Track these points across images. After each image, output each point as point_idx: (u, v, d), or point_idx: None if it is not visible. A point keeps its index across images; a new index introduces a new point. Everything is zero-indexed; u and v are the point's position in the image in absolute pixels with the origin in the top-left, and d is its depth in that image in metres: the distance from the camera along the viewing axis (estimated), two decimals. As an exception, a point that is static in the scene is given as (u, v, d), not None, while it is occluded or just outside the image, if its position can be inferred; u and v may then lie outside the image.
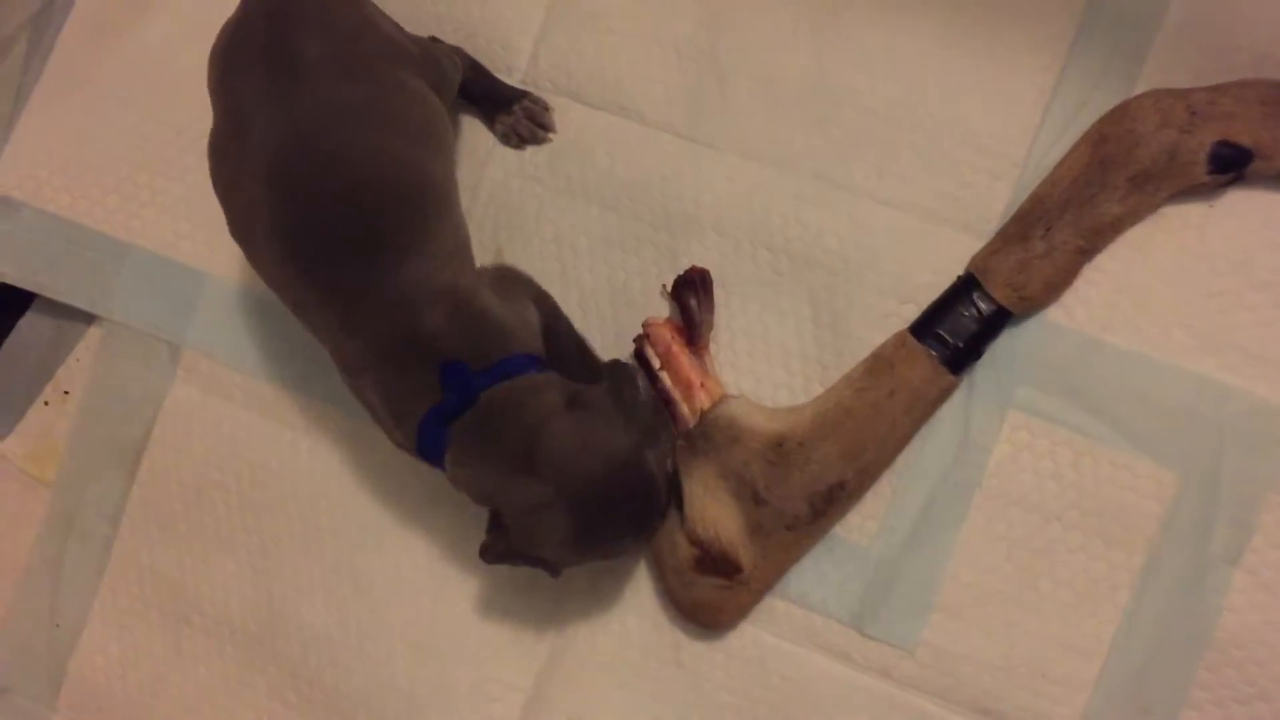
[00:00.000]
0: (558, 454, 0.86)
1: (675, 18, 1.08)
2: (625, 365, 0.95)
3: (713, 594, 0.98)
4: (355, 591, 1.10)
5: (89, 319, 1.19)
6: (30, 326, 1.21)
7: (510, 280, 0.99)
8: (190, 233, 1.16)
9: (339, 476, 1.11)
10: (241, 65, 0.90)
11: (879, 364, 0.98)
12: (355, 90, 0.88)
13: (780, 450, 0.96)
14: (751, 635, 1.02)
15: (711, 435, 0.97)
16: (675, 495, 0.98)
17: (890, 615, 0.99)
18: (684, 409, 0.98)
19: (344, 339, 0.90)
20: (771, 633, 1.01)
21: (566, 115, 1.09)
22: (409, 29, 1.03)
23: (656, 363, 1.00)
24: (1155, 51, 0.98)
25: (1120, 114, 0.96)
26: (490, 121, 1.09)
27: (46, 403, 1.20)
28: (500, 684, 1.06)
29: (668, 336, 1.00)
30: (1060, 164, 0.97)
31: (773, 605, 1.01)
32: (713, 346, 1.03)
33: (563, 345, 0.98)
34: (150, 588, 1.15)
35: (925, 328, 0.98)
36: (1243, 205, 0.96)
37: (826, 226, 1.03)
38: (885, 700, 0.99)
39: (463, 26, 1.12)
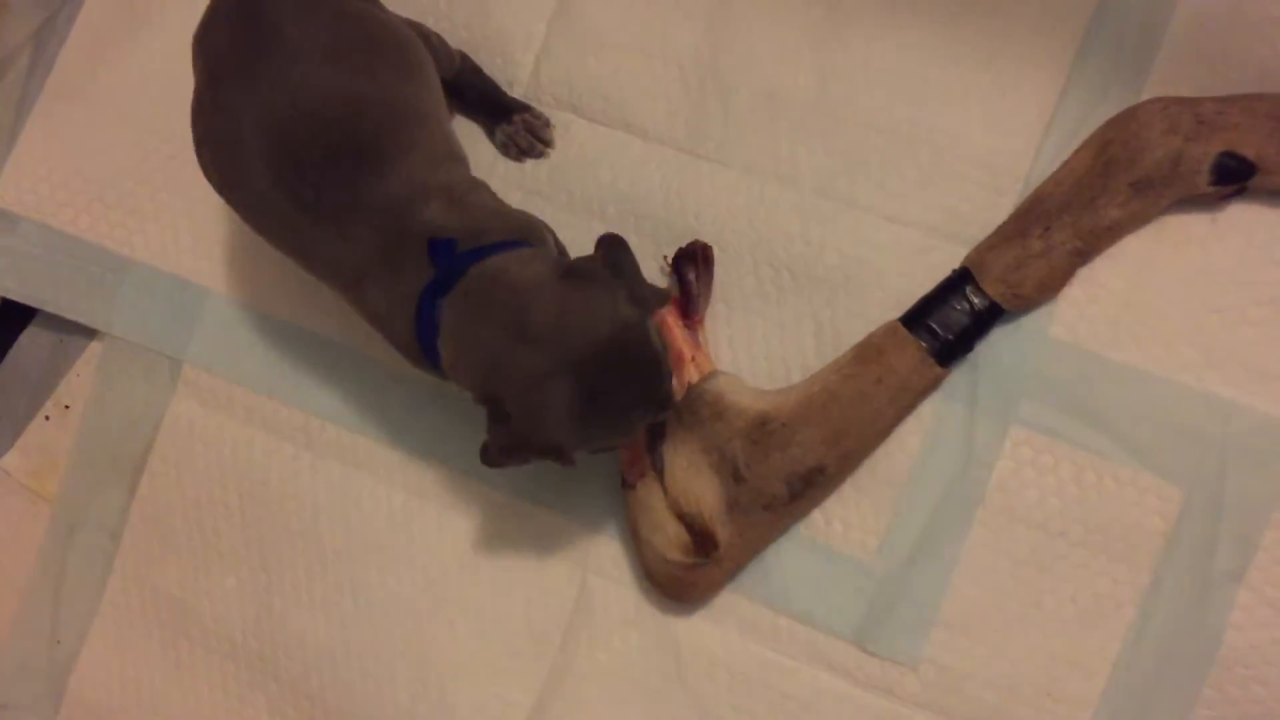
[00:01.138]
0: (554, 318, 0.81)
1: (677, 33, 1.08)
2: (619, 238, 0.89)
3: (686, 568, 0.98)
4: (356, 608, 1.10)
5: (90, 334, 1.19)
6: (31, 341, 1.21)
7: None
8: (191, 247, 1.16)
9: (340, 492, 1.11)
10: (219, 28, 0.91)
11: (867, 351, 0.98)
12: (328, 25, 0.89)
13: (763, 429, 0.96)
14: (754, 652, 1.01)
15: (697, 409, 0.97)
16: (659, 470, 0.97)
17: (893, 632, 0.99)
18: (673, 382, 0.97)
19: (343, 249, 0.88)
20: (774, 649, 1.01)
21: (568, 130, 1.09)
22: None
23: None
24: (1158, 67, 0.98)
25: (1127, 118, 0.96)
26: (490, 131, 1.10)
27: (48, 417, 1.20)
28: (502, 701, 1.06)
29: (663, 308, 1.00)
30: (1064, 165, 0.97)
31: (775, 622, 1.01)
32: (715, 351, 1.03)
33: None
34: (151, 604, 1.15)
35: (917, 318, 0.98)
36: (1246, 221, 0.96)
37: (829, 242, 1.03)
38: (889, 717, 0.98)
39: (465, 41, 1.12)
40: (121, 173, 1.18)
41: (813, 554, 1.01)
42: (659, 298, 0.86)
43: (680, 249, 1.03)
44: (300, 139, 0.86)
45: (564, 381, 0.81)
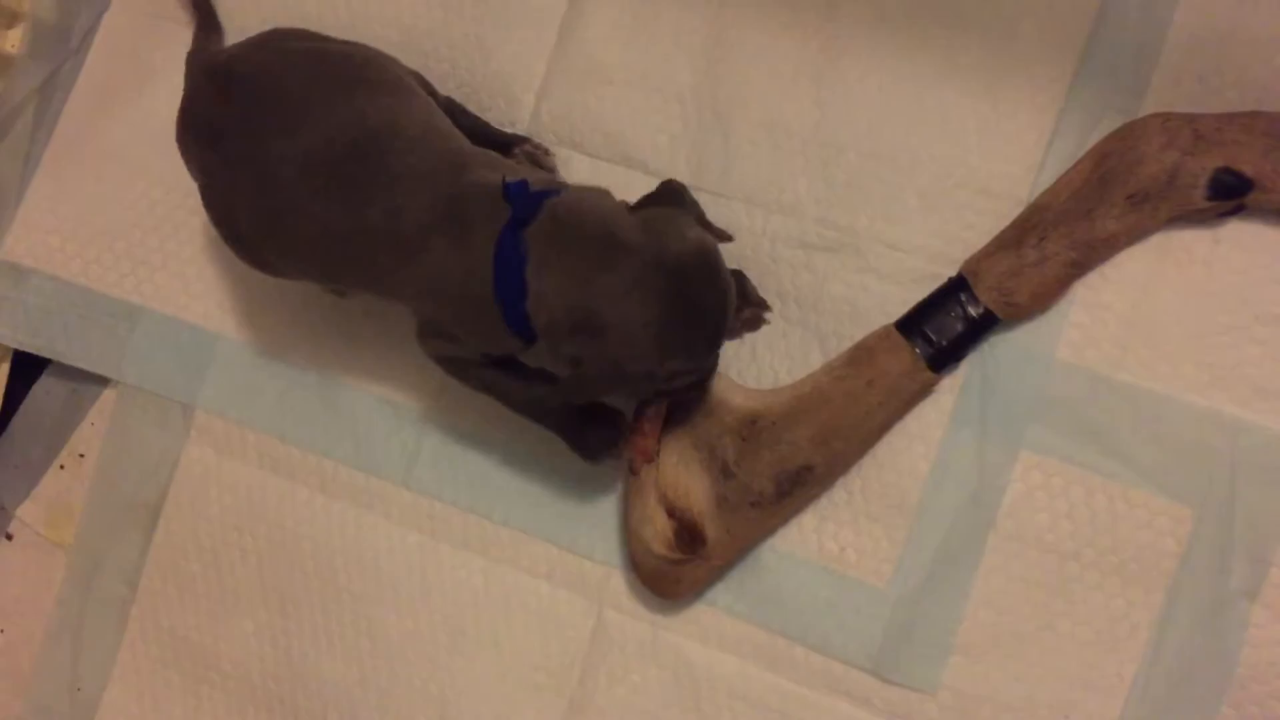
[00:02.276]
0: (641, 234, 0.85)
1: (676, 68, 1.08)
2: (680, 184, 0.95)
3: (673, 564, 0.99)
4: (374, 648, 1.10)
5: (103, 382, 1.20)
6: (45, 391, 1.22)
7: None
8: (201, 294, 1.17)
9: (354, 533, 1.12)
10: (206, 119, 0.96)
11: (860, 353, 0.98)
12: (311, 63, 0.95)
13: (754, 427, 0.97)
14: (772, 683, 1.02)
15: (690, 406, 0.98)
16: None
17: (910, 659, 0.99)
18: None
19: (400, 227, 0.89)
20: (792, 680, 1.01)
21: (570, 166, 1.10)
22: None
23: None
24: (1154, 88, 0.98)
25: (1126, 132, 0.96)
26: None
27: (62, 466, 1.21)
28: (522, 737, 1.06)
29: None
30: (1062, 177, 0.97)
31: (792, 651, 1.01)
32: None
33: None
34: (170, 649, 1.16)
35: (911, 324, 0.98)
36: (1249, 240, 0.96)
37: (833, 271, 1.03)
38: (908, 744, 0.99)
39: (466, 82, 1.13)
40: (130, 223, 1.19)
41: (827, 582, 1.01)
42: (719, 234, 0.93)
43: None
44: (330, 159, 0.90)
45: (658, 283, 0.83)
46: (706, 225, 0.92)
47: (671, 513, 0.97)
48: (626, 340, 0.84)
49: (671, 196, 0.92)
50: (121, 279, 1.19)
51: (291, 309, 1.14)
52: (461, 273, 0.88)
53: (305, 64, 0.95)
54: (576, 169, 1.10)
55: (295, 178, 0.91)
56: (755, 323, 1.04)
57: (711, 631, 1.03)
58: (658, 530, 0.98)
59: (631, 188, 1.06)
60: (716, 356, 0.92)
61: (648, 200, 0.92)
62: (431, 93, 1.06)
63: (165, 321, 1.18)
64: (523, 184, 0.88)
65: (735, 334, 1.04)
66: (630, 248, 0.84)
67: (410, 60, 1.10)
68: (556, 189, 0.90)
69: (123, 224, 1.19)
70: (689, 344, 0.86)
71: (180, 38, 1.16)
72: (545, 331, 0.86)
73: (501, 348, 0.91)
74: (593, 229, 0.85)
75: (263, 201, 0.93)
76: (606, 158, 1.09)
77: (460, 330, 0.92)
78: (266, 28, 1.02)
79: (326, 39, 1.01)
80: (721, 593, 1.03)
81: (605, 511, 1.06)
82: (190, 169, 0.99)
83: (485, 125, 1.09)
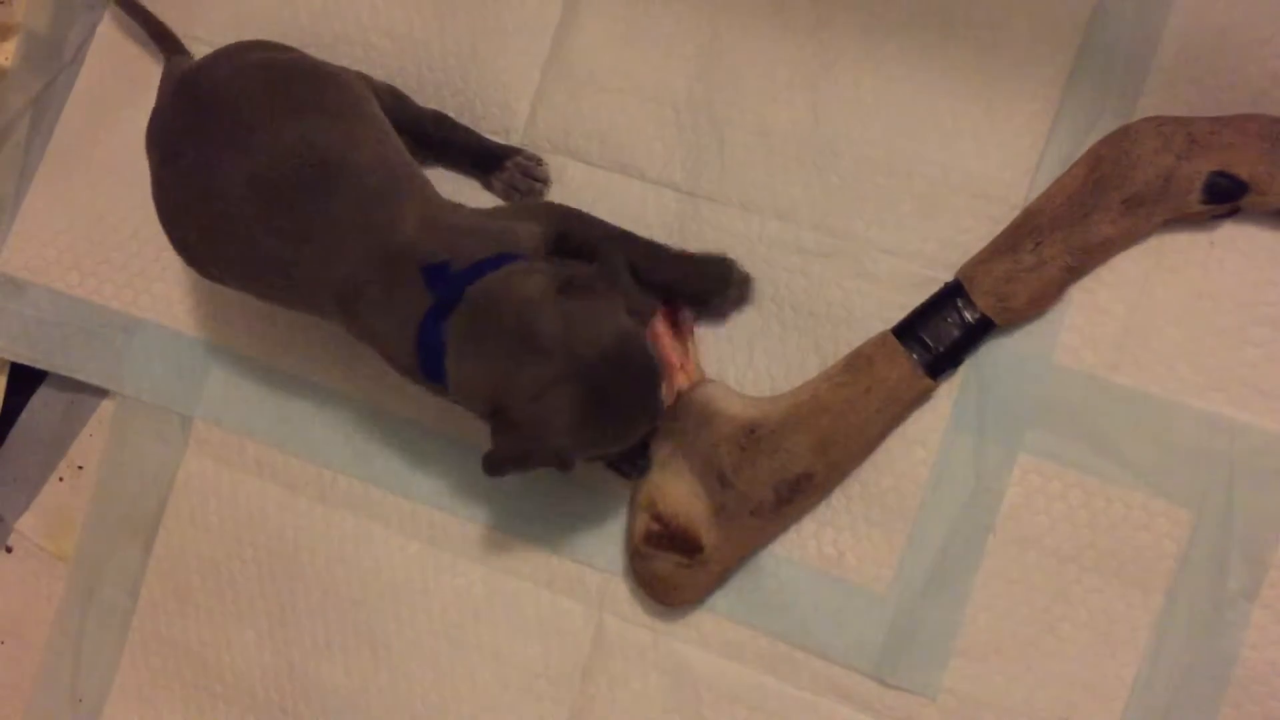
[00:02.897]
0: (560, 329, 0.84)
1: (671, 75, 1.08)
2: (616, 249, 0.93)
3: (672, 570, 0.99)
4: (375, 656, 1.10)
5: (101, 394, 1.20)
6: (43, 403, 1.22)
7: (519, 209, 1.01)
8: (197, 304, 1.17)
9: (354, 542, 1.12)
10: (172, 118, 0.97)
11: (858, 360, 0.98)
12: (272, 81, 0.95)
13: (752, 436, 0.97)
14: (773, 688, 1.02)
15: (682, 416, 0.99)
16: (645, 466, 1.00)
17: (911, 663, 0.99)
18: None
19: (332, 274, 0.90)
20: (793, 684, 1.01)
21: (566, 174, 1.10)
22: (410, 96, 1.08)
23: None
24: (1149, 91, 0.98)
25: (1120, 136, 0.97)
26: (487, 183, 1.10)
27: (61, 478, 1.21)
28: (524, 745, 1.06)
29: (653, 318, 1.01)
30: (1057, 181, 0.98)
31: (793, 656, 1.02)
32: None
33: (588, 240, 0.98)
34: (171, 660, 1.16)
35: (908, 330, 0.98)
36: (1245, 242, 0.96)
37: (829, 276, 1.04)
38: (910, 749, 0.99)
39: (461, 91, 1.12)
40: (126, 234, 1.19)
41: (828, 588, 1.01)
42: (650, 307, 0.91)
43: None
44: (274, 183, 0.90)
45: (571, 388, 0.83)
46: (634, 300, 0.90)
47: (664, 521, 0.98)
48: (538, 433, 0.85)
49: (605, 268, 0.90)
50: (119, 290, 1.19)
51: (289, 319, 1.14)
52: (391, 338, 0.90)
53: (261, 80, 0.94)
54: (572, 177, 1.10)
55: (240, 196, 0.91)
56: (741, 301, 1.04)
57: (712, 637, 1.04)
58: (634, 526, 0.99)
59: (627, 194, 1.08)
60: (658, 419, 0.92)
61: (577, 281, 0.87)
62: (411, 110, 1.06)
63: (163, 332, 1.18)
64: (443, 269, 0.88)
65: (722, 315, 1.04)
66: (544, 347, 0.84)
67: (404, 69, 1.12)
68: (481, 263, 0.88)
69: (119, 235, 1.19)
70: (601, 440, 0.88)
71: (174, 48, 1.15)
72: (468, 407, 0.89)
73: (440, 394, 0.92)
74: (509, 322, 0.85)
75: (208, 216, 0.93)
76: (602, 165, 1.09)
77: (401, 373, 0.93)
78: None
79: (291, 52, 1.00)
80: (722, 598, 1.03)
81: (605, 519, 1.06)
82: (150, 173, 0.99)
83: (477, 138, 1.09)
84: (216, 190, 0.91)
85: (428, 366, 0.89)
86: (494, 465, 0.86)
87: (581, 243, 0.99)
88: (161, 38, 1.15)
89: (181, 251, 0.99)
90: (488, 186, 1.10)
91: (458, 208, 0.97)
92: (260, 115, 0.92)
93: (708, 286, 1.01)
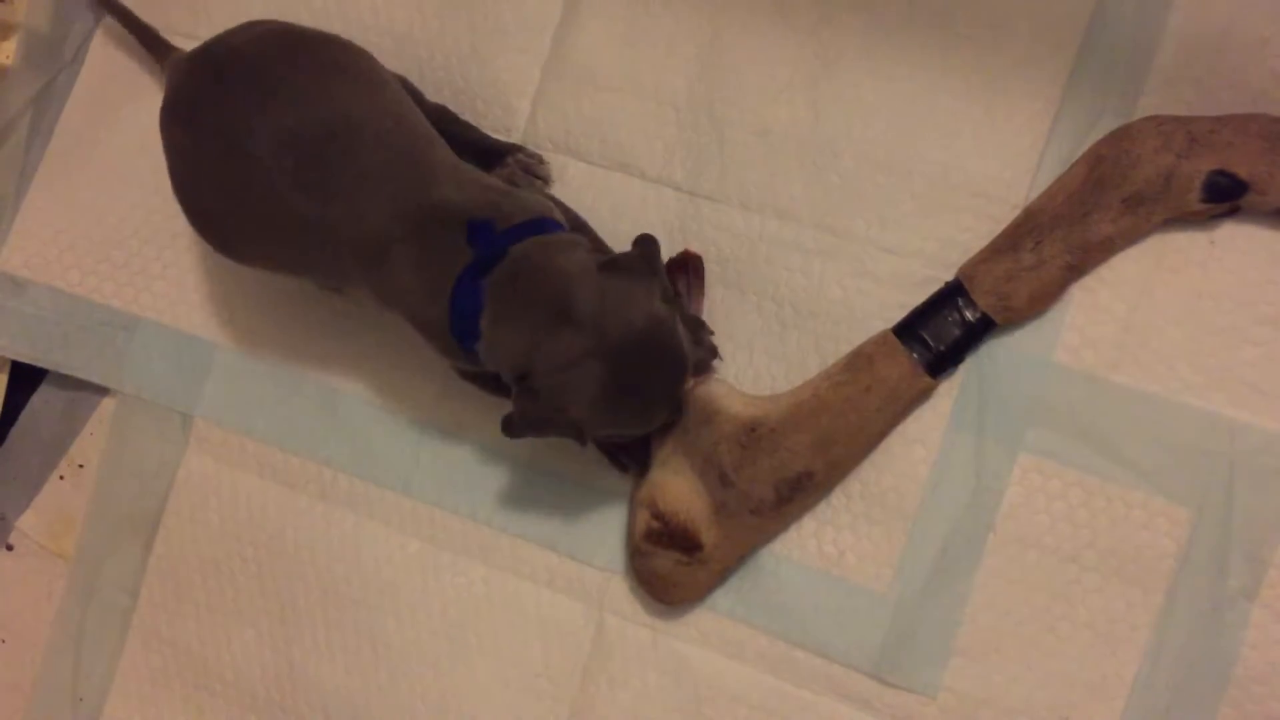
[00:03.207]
0: (597, 305, 0.85)
1: (671, 73, 1.08)
2: (653, 238, 0.92)
3: (672, 568, 0.99)
4: (375, 655, 1.10)
5: (102, 392, 1.20)
6: (43, 401, 1.21)
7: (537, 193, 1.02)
8: (198, 302, 1.17)
9: (355, 541, 1.12)
10: (203, 99, 0.94)
11: (858, 359, 0.98)
12: (307, 55, 0.94)
13: (752, 435, 0.97)
14: (773, 686, 1.02)
15: (684, 414, 0.99)
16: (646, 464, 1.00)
17: (911, 662, 0.99)
18: None
19: (363, 229, 0.90)
20: (793, 683, 1.01)
21: (567, 173, 1.10)
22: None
23: None
24: (1150, 90, 0.98)
25: (1121, 135, 0.96)
26: None
27: (62, 477, 1.21)
28: (524, 744, 1.06)
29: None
30: (1057, 180, 0.97)
31: (792, 655, 1.02)
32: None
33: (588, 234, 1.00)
34: (171, 659, 1.16)
35: (908, 329, 0.98)
36: (1245, 241, 0.96)
37: (830, 275, 1.04)
38: (909, 748, 0.99)
39: (462, 90, 1.12)
40: (127, 232, 1.19)
41: (828, 586, 1.01)
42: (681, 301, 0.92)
43: (671, 259, 1.04)
44: (301, 138, 0.89)
45: (598, 365, 0.84)
46: (669, 294, 0.90)
47: (664, 518, 0.98)
48: (560, 403, 0.86)
49: (642, 261, 0.90)
50: (119, 289, 1.19)
51: (290, 317, 1.14)
52: (422, 295, 0.89)
53: (278, 44, 0.94)
54: (573, 176, 1.10)
55: (264, 154, 0.89)
56: (703, 367, 1.02)
57: (712, 636, 1.04)
58: (635, 523, 0.99)
59: (628, 193, 1.08)
60: (679, 411, 0.94)
61: (617, 262, 0.88)
62: (419, 99, 1.06)
63: (163, 331, 1.17)
64: (487, 226, 0.88)
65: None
66: (580, 320, 0.85)
67: (405, 68, 1.12)
68: (523, 225, 0.89)
69: (120, 234, 1.19)
70: (620, 421, 0.89)
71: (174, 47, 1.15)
72: (495, 368, 0.89)
73: (459, 359, 0.93)
74: (548, 290, 0.86)
75: (232, 181, 0.92)
76: (602, 164, 1.09)
77: (423, 337, 0.93)
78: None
79: (304, 28, 1.00)
80: (722, 597, 1.03)
81: (606, 517, 1.06)
82: (166, 153, 0.98)
83: (478, 133, 1.09)
84: (241, 151, 0.90)
85: (459, 326, 0.88)
86: (513, 428, 0.87)
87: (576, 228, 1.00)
88: (152, 44, 1.15)
89: (201, 227, 0.98)
90: (489, 183, 1.10)
91: (485, 173, 0.97)
92: (282, 74, 0.91)
93: None
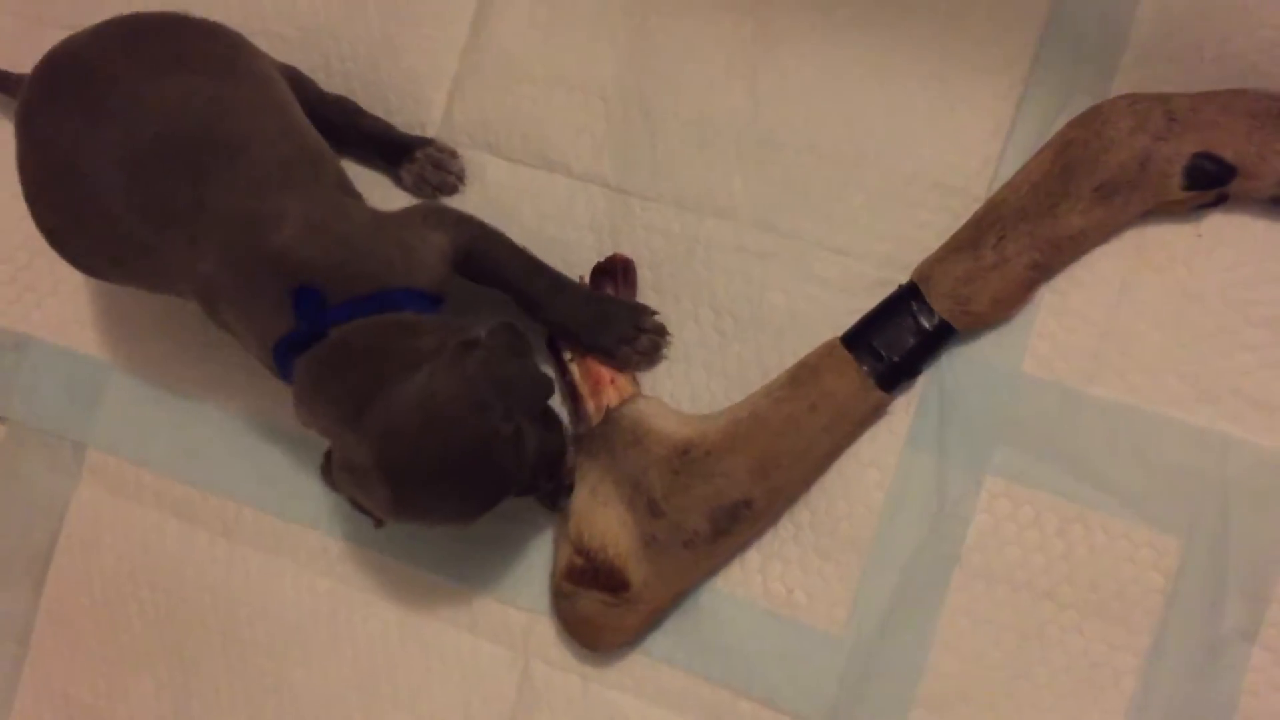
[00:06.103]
0: (389, 417, 0.81)
1: (598, 61, 1.04)
2: (512, 326, 0.88)
3: (597, 610, 0.93)
4: (281, 705, 1.04)
5: (-11, 420, 1.14)
6: (-75, 430, 1.15)
7: (428, 212, 0.95)
8: (92, 322, 1.12)
9: (260, 580, 1.06)
10: (40, 104, 0.91)
11: (803, 372, 0.93)
12: (147, 50, 0.90)
13: (685, 458, 0.91)
14: (715, 740, 0.95)
15: (610, 436, 0.93)
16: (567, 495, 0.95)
17: (867, 712, 0.93)
18: (589, 405, 0.95)
19: (194, 259, 0.86)
20: (738, 737, 0.95)
21: (486, 172, 1.06)
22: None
23: (567, 354, 0.97)
24: (1125, 68, 0.94)
25: (1091, 116, 0.91)
26: (396, 176, 1.05)
27: (-54, 512, 1.13)
28: (442, 807, 1.00)
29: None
30: (1022, 169, 0.93)
31: (737, 706, 0.95)
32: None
33: (497, 265, 0.95)
34: (64, 713, 1.09)
35: (858, 338, 0.93)
36: (1234, 234, 0.91)
37: (772, 279, 0.99)
38: (867, 809, 0.92)
39: (371, 83, 1.08)
40: (17, 246, 1.14)
41: (775, 629, 0.95)
42: (542, 392, 0.87)
43: (598, 264, 1.00)
44: (135, 154, 0.86)
45: (378, 480, 0.82)
46: (516, 378, 0.85)
47: (588, 554, 0.92)
48: (354, 493, 0.86)
49: (505, 339, 0.86)
50: (8, 306, 1.14)
51: (190, 337, 1.08)
52: (252, 342, 0.88)
53: (118, 38, 0.90)
54: (492, 174, 1.06)
55: (92, 172, 0.86)
56: (653, 354, 0.98)
57: (647, 683, 0.97)
58: (558, 561, 0.94)
59: (553, 192, 1.04)
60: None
61: (470, 353, 0.83)
62: (314, 93, 1.01)
63: (55, 352, 1.13)
64: (315, 297, 0.84)
65: (630, 366, 0.98)
66: (367, 430, 0.81)
67: (310, 60, 1.08)
68: (358, 301, 0.84)
69: (6, 246, 1.14)
70: (422, 520, 0.86)
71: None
72: None
73: None
74: (351, 385, 0.83)
75: (69, 196, 0.88)
76: (525, 161, 1.05)
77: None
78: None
79: (156, 16, 0.95)
80: (659, 640, 0.97)
81: (528, 554, 1.00)
82: (15, 159, 0.94)
83: (383, 126, 1.05)
84: (74, 165, 0.87)
85: (287, 378, 0.87)
86: (327, 480, 0.88)
87: (488, 265, 0.94)
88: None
89: (54, 244, 0.94)
90: (396, 180, 1.05)
91: (358, 209, 0.91)
92: (117, 77, 0.87)
93: (615, 333, 0.96)
